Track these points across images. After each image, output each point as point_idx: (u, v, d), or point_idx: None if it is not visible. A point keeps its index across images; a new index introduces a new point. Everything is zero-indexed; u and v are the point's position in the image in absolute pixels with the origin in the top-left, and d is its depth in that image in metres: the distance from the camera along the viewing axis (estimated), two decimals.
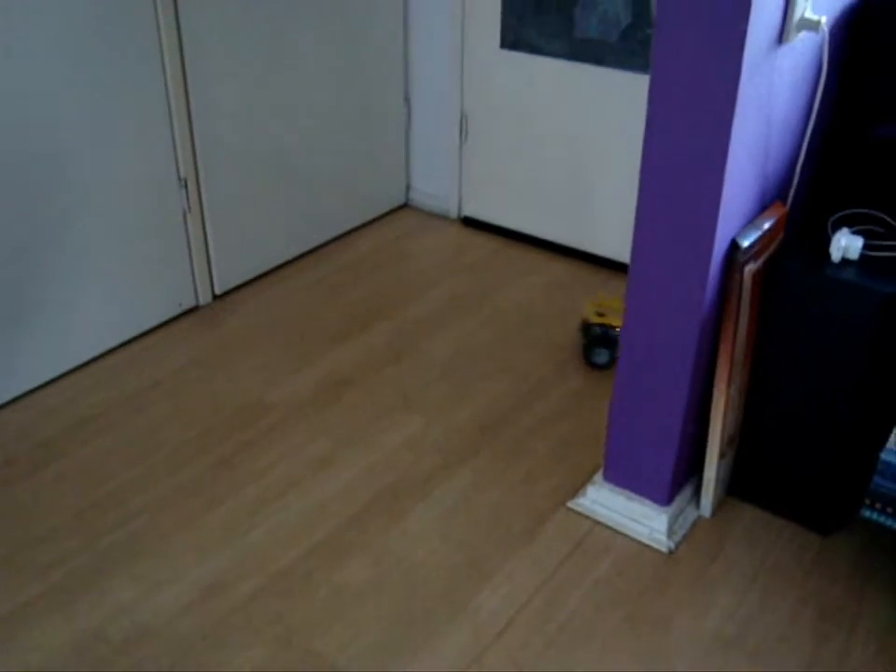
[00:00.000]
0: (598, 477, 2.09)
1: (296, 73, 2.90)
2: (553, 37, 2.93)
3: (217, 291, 2.90)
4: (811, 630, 1.79)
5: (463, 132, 3.31)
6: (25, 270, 2.34)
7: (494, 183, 3.32)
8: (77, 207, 2.40)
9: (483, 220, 3.41)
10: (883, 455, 1.76)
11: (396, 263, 3.17)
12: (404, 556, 1.95)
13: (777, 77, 1.67)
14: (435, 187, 3.50)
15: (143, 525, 2.02)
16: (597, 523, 2.05)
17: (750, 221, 1.81)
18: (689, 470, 2.03)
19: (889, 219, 1.92)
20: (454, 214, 3.47)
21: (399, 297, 2.95)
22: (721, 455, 1.98)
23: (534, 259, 3.21)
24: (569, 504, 2.09)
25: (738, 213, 1.74)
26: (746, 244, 1.75)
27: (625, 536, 2.01)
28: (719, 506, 2.09)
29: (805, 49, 1.76)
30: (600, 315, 2.58)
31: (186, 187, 2.66)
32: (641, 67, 2.78)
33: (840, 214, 1.94)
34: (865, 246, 1.79)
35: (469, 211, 3.44)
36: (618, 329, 2.48)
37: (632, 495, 2.02)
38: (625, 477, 2.02)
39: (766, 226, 1.82)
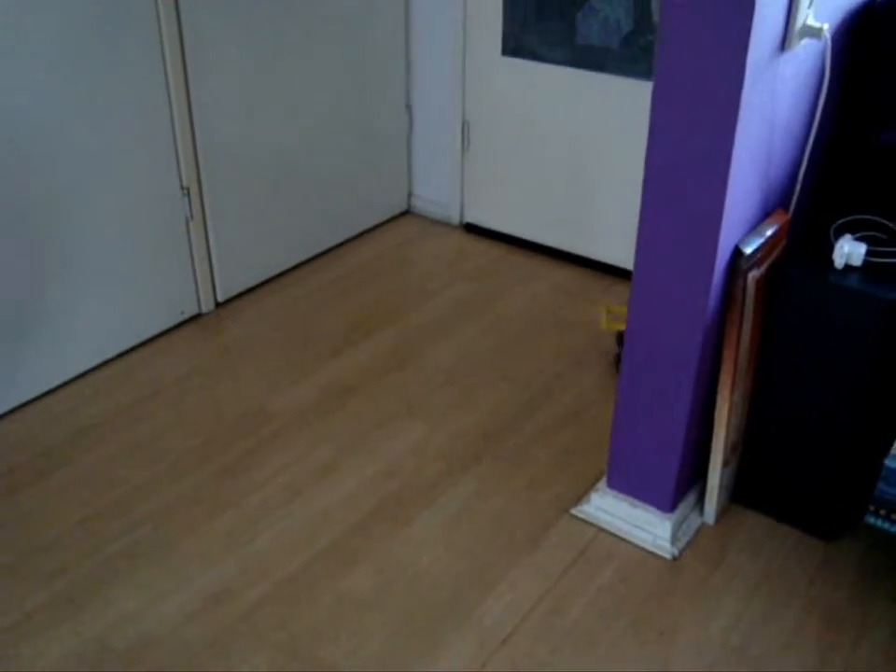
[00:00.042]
0: (602, 484, 2.09)
1: (298, 81, 2.90)
2: (555, 44, 2.94)
3: (220, 299, 2.90)
4: (815, 638, 1.79)
5: (465, 138, 3.32)
6: (27, 278, 2.34)
7: (496, 189, 3.32)
8: (78, 215, 2.40)
9: (485, 227, 3.41)
10: (887, 462, 1.75)
11: (398, 270, 3.17)
12: (409, 564, 1.95)
13: (779, 84, 1.68)
14: (437, 193, 3.50)
15: (146, 534, 2.02)
16: (601, 530, 2.04)
17: (753, 228, 1.81)
18: (692, 477, 2.03)
19: (891, 225, 1.92)
20: (456, 220, 3.48)
21: (402, 304, 2.95)
22: (725, 462, 1.98)
23: (536, 265, 3.21)
24: (573, 511, 2.09)
25: (741, 220, 1.74)
26: (749, 250, 1.75)
27: (629, 543, 2.01)
28: (722, 513, 2.08)
29: (807, 56, 1.76)
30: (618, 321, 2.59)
31: (188, 195, 2.66)
32: (643, 74, 2.79)
33: (843, 220, 1.94)
34: (868, 253, 1.79)
35: (472, 217, 3.44)
36: None
37: (635, 502, 2.02)
38: (629, 484, 2.02)
39: (769, 233, 1.82)
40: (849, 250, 1.78)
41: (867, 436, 1.91)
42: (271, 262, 3.05)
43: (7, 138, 2.18)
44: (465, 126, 3.30)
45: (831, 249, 1.81)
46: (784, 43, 1.63)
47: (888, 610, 1.84)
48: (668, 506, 1.97)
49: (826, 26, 1.66)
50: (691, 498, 2.05)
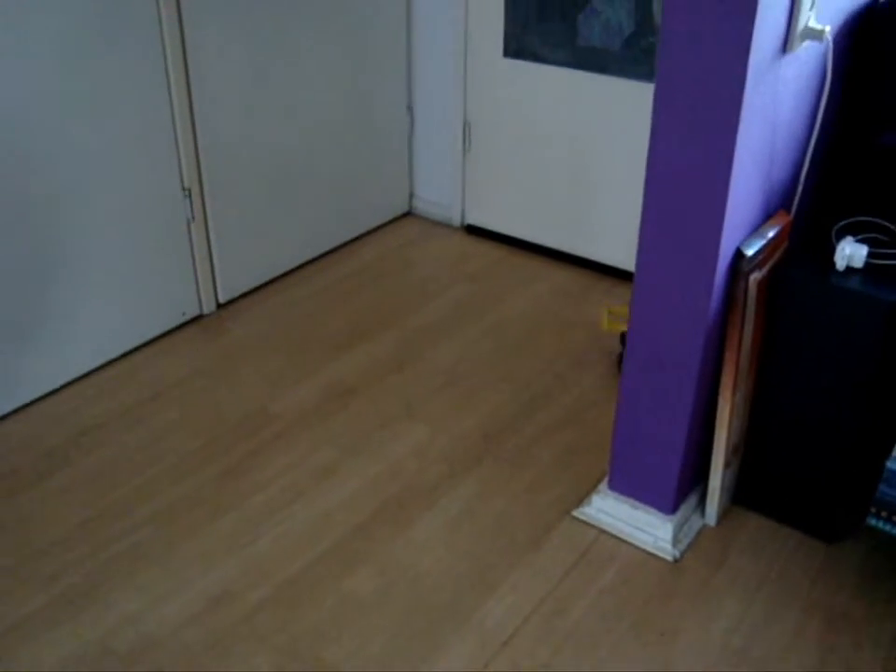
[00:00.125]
0: (603, 486, 2.09)
1: (300, 82, 2.90)
2: (556, 46, 2.94)
3: (221, 300, 2.90)
4: (817, 640, 1.78)
5: (466, 140, 3.32)
6: (28, 280, 2.34)
7: (497, 191, 3.32)
8: (79, 216, 2.40)
9: (486, 228, 3.41)
10: (889, 464, 1.75)
11: (399, 271, 3.17)
12: (410, 565, 1.95)
13: (781, 86, 1.68)
14: (438, 195, 3.50)
15: (148, 535, 2.02)
16: (602, 531, 2.04)
17: (755, 230, 1.81)
18: (694, 479, 2.03)
19: (893, 227, 1.92)
20: (457, 222, 3.48)
21: (403, 305, 2.95)
22: (727, 464, 1.98)
23: (537, 267, 3.21)
24: (574, 513, 2.09)
25: (743, 221, 1.74)
26: (751, 252, 1.75)
27: (630, 544, 2.01)
28: (724, 514, 2.08)
29: (809, 58, 1.76)
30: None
31: (190, 196, 2.66)
32: (644, 75, 2.79)
33: (844, 222, 1.94)
34: (870, 255, 1.79)
35: (473, 219, 3.44)
36: None
37: (637, 503, 2.02)
38: (630, 486, 2.02)
39: (771, 234, 1.82)
40: (851, 252, 1.78)
41: (868, 438, 1.91)
42: (272, 264, 3.06)
43: (7, 138, 2.18)
44: (466, 127, 3.30)
45: (832, 251, 1.81)
46: (786, 45, 1.63)
47: (889, 612, 1.84)
48: (670, 508, 1.97)
49: (828, 28, 1.66)
50: (692, 500, 2.05)
